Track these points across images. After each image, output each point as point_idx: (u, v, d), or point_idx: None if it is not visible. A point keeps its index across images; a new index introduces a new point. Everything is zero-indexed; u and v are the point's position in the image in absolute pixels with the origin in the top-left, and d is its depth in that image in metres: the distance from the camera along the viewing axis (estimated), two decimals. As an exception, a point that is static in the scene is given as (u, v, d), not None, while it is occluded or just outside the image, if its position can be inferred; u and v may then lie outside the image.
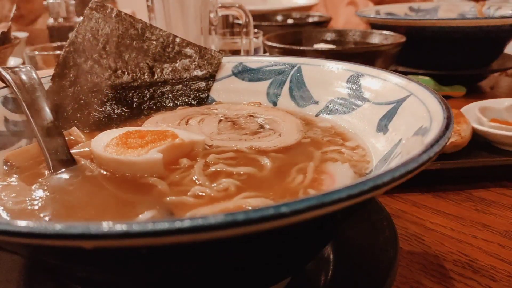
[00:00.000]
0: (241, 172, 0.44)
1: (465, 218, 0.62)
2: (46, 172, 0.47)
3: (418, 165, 0.29)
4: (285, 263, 0.38)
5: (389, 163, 0.41)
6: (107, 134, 0.49)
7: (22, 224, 0.23)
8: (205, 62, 0.67)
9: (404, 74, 0.52)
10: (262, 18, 1.69)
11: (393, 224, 0.50)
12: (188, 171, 0.44)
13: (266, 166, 0.46)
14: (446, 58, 1.19)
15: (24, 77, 0.56)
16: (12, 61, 1.32)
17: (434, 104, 0.41)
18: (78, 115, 0.59)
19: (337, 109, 0.58)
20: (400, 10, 1.54)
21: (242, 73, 0.67)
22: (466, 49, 1.16)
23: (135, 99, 0.63)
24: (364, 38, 1.22)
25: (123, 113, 0.62)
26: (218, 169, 0.45)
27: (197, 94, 0.67)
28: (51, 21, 1.47)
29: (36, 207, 0.40)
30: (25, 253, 0.35)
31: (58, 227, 0.23)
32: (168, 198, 0.40)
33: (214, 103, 0.67)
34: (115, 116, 0.61)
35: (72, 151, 0.49)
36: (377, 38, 1.18)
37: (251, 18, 1.07)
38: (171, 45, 0.66)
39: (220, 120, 0.58)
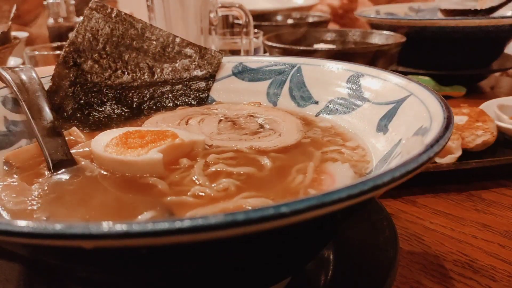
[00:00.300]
0: (241, 172, 0.44)
1: (465, 218, 0.62)
2: (46, 172, 0.47)
3: (418, 165, 0.29)
4: (285, 263, 0.38)
5: (389, 163, 0.41)
6: (107, 134, 0.49)
7: (22, 224, 0.23)
8: (205, 62, 0.67)
9: (404, 74, 0.52)
10: (262, 18, 1.69)
11: (393, 224, 0.50)
12: (188, 171, 0.44)
13: (266, 166, 0.46)
14: (446, 58, 1.20)
15: (24, 77, 0.56)
16: (12, 61, 1.32)
17: (434, 104, 0.41)
18: (78, 115, 0.59)
19: (337, 109, 0.58)
20: (400, 10, 1.54)
21: (242, 73, 0.67)
22: (466, 49, 1.17)
23: (135, 99, 0.63)
24: (364, 38, 1.22)
25: (123, 113, 0.62)
26: (218, 169, 0.45)
27: (197, 94, 0.67)
28: (51, 21, 1.47)
29: (36, 207, 0.40)
30: (25, 253, 0.35)
31: (58, 227, 0.23)
32: (168, 198, 0.40)
33: (214, 103, 0.67)
34: (115, 116, 0.61)
35: (72, 151, 0.49)
36: (377, 38, 1.18)
37: (251, 18, 1.07)
38: (171, 45, 0.66)
39: (220, 120, 0.58)
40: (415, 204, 0.66)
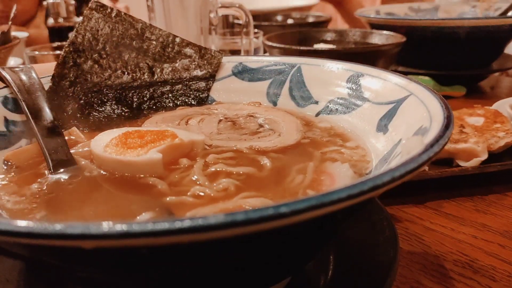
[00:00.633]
0: (241, 172, 0.44)
1: (465, 218, 0.62)
2: (45, 172, 0.47)
3: (418, 165, 0.29)
4: (285, 263, 0.38)
5: (389, 163, 0.41)
6: (107, 134, 0.49)
7: (21, 224, 0.23)
8: (205, 62, 0.67)
9: (404, 74, 0.52)
10: (262, 18, 1.69)
11: (393, 224, 0.50)
12: (188, 171, 0.44)
13: (265, 166, 0.46)
14: (446, 58, 1.20)
15: (24, 77, 0.56)
16: (12, 61, 1.32)
17: (434, 104, 0.41)
18: (78, 115, 0.59)
19: (337, 109, 0.58)
20: (400, 10, 1.54)
21: (242, 73, 0.67)
22: (466, 49, 1.17)
23: (135, 99, 0.63)
24: (364, 38, 1.22)
25: (123, 113, 0.62)
26: (218, 169, 0.45)
27: (197, 94, 0.67)
28: (51, 21, 1.47)
29: (36, 207, 0.40)
30: (25, 253, 0.35)
31: (58, 227, 0.23)
32: (168, 198, 0.40)
33: (214, 103, 0.67)
34: (115, 116, 0.61)
35: (71, 151, 0.49)
36: (377, 38, 1.18)
37: (251, 18, 1.07)
38: (171, 45, 0.66)
39: (220, 120, 0.58)
40: (415, 204, 0.66)
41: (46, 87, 0.57)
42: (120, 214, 0.38)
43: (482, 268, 0.52)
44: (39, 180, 0.45)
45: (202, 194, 0.40)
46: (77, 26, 0.61)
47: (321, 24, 1.59)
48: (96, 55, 0.61)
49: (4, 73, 0.56)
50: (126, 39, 0.63)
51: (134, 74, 0.63)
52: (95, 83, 0.61)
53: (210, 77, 0.67)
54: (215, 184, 0.42)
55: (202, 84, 0.67)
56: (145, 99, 0.64)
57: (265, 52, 1.20)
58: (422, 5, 1.58)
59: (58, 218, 0.39)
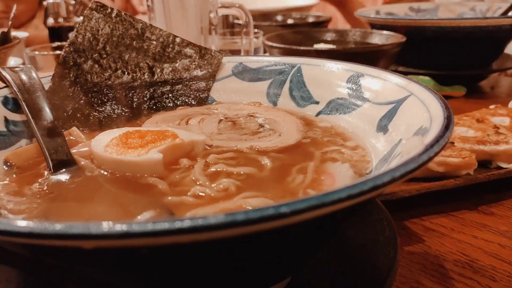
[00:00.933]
0: (241, 172, 0.44)
1: (465, 218, 0.62)
2: (46, 172, 0.47)
3: (418, 165, 0.29)
4: (285, 263, 0.38)
5: (389, 163, 0.41)
6: (107, 134, 0.49)
7: (22, 224, 0.23)
8: (205, 62, 0.67)
9: (404, 74, 0.52)
10: (262, 18, 1.69)
11: (393, 224, 0.50)
12: (188, 171, 0.44)
13: (266, 166, 0.46)
14: (446, 58, 1.20)
15: (24, 77, 0.56)
16: (12, 61, 1.32)
17: (434, 104, 0.41)
18: (78, 115, 0.59)
19: (337, 109, 0.58)
20: (400, 10, 1.54)
21: (242, 73, 0.67)
22: (466, 49, 1.17)
23: (135, 99, 0.63)
24: (364, 38, 1.22)
25: (123, 113, 0.62)
26: (218, 169, 0.45)
27: (197, 94, 0.67)
28: (51, 21, 1.47)
29: (36, 207, 0.40)
30: (25, 253, 0.35)
31: (58, 227, 0.23)
32: (168, 198, 0.40)
33: (214, 103, 0.67)
34: (115, 116, 0.61)
35: (72, 151, 0.49)
36: (377, 38, 1.18)
37: (251, 18, 1.07)
38: (171, 45, 0.66)
39: (220, 120, 0.58)
40: (415, 204, 0.66)
41: (46, 87, 0.57)
42: (120, 214, 0.38)
43: (482, 268, 0.52)
44: (39, 180, 0.45)
45: (202, 194, 0.40)
46: (77, 26, 0.61)
47: (321, 24, 1.59)
48: (96, 55, 0.61)
49: (4, 73, 0.56)
50: (126, 39, 0.63)
51: (134, 74, 0.63)
52: (95, 83, 0.61)
53: (210, 77, 0.67)
54: (215, 184, 0.42)
55: (202, 84, 0.67)
56: (145, 99, 0.64)
57: (265, 52, 1.20)
58: (422, 5, 1.58)
59: (58, 218, 0.39)
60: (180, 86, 0.66)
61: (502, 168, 0.68)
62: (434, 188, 0.64)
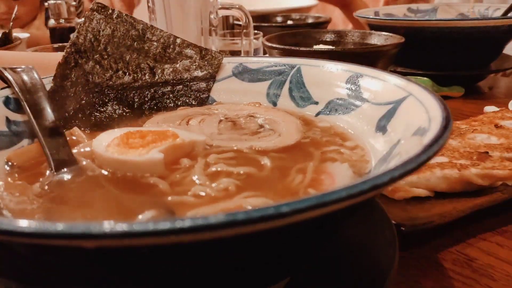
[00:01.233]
0: (241, 172, 0.44)
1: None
2: (47, 172, 0.47)
3: (417, 165, 0.29)
4: (285, 263, 0.38)
5: (388, 163, 0.41)
6: (109, 134, 0.49)
7: (24, 224, 0.24)
8: (206, 63, 0.67)
9: (403, 74, 0.52)
10: (262, 19, 1.69)
11: (393, 224, 0.50)
12: (189, 171, 0.45)
13: (266, 166, 0.46)
14: (445, 58, 1.20)
15: (25, 77, 0.56)
16: (13, 62, 1.32)
17: (433, 104, 0.41)
18: (80, 115, 0.59)
19: (336, 110, 0.58)
20: (399, 11, 1.54)
21: (242, 73, 0.67)
22: (465, 50, 1.17)
23: (136, 100, 0.64)
24: (363, 39, 1.22)
25: (124, 113, 0.62)
26: (219, 169, 0.45)
27: (198, 95, 0.67)
28: (52, 22, 1.47)
29: (37, 207, 0.40)
30: (25, 253, 0.35)
31: (59, 227, 0.23)
32: (169, 198, 0.40)
33: (214, 103, 0.67)
34: (116, 116, 0.62)
35: (73, 151, 0.50)
36: (376, 39, 1.18)
37: (251, 19, 1.07)
38: (171, 46, 0.66)
39: (221, 120, 0.58)
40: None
41: (48, 87, 0.58)
42: (121, 214, 0.39)
43: (481, 267, 0.52)
44: (41, 180, 0.45)
45: (203, 194, 0.41)
46: (78, 27, 0.62)
47: (321, 25, 1.60)
48: (98, 55, 0.62)
49: (6, 73, 0.56)
50: (127, 40, 0.63)
51: (135, 75, 0.64)
52: (96, 84, 0.61)
53: (211, 78, 0.67)
54: (215, 184, 0.42)
55: (203, 85, 0.67)
56: (146, 99, 0.64)
57: (265, 53, 1.20)
58: (421, 6, 1.58)
59: (59, 217, 0.39)
60: (180, 86, 0.66)
61: None
62: (486, 205, 0.60)
